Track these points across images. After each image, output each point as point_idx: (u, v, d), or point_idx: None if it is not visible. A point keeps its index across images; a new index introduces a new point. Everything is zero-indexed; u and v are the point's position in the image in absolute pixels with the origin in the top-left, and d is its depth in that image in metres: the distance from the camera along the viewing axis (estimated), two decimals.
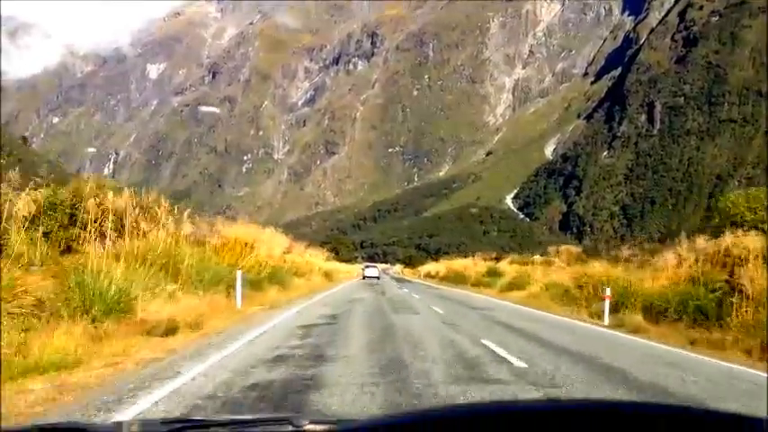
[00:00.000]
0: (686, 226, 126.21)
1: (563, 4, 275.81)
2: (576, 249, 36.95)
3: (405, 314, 13.13)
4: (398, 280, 50.93)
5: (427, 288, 31.15)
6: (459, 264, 39.22)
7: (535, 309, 16.45)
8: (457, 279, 35.12)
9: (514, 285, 23.41)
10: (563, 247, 39.31)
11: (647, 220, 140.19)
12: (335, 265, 43.89)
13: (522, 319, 13.58)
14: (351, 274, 58.02)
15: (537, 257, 36.09)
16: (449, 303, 18.09)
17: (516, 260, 34.92)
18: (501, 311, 15.47)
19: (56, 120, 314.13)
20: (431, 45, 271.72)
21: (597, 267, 15.99)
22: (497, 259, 36.75)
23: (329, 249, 55.23)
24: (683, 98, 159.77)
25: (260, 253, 15.53)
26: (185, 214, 11.02)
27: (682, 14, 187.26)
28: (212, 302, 10.41)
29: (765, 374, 6.81)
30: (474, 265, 34.79)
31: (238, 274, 11.70)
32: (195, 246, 12.04)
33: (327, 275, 32.19)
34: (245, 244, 14.56)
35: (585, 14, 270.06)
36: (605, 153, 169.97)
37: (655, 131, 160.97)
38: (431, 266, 58.56)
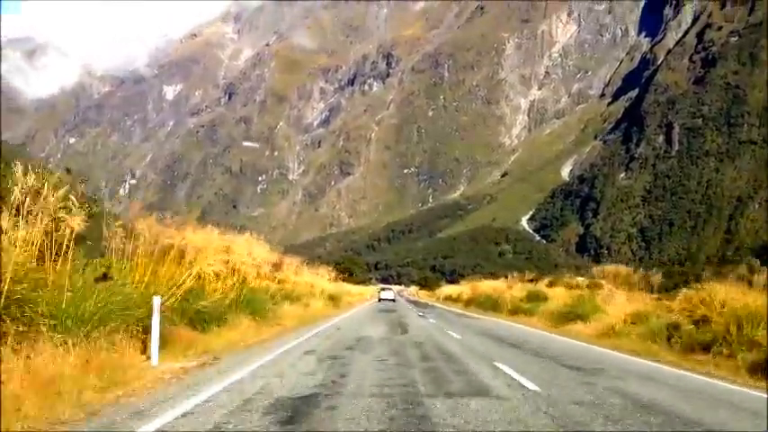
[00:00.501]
0: (705, 249, 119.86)
1: (579, 26, 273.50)
2: (625, 270, 31.75)
3: (460, 397, 5.94)
4: (416, 304, 46.17)
5: (457, 317, 25.28)
6: (487, 286, 33.78)
7: (653, 363, 9.85)
8: (487, 304, 29.83)
9: (572, 315, 17.82)
10: (610, 267, 34.03)
11: (666, 242, 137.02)
12: (344, 287, 38.85)
13: (698, 404, 6.30)
14: (363, 296, 53.35)
15: (580, 279, 31.02)
16: (516, 352, 10.95)
17: (557, 282, 29.55)
18: (629, 378, 7.95)
19: (73, 140, 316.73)
20: (446, 66, 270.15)
21: (721, 292, 10.62)
22: (534, 281, 31.49)
23: (342, 270, 51.09)
24: (701, 119, 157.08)
25: (220, 267, 10.36)
26: (56, 196, 5.65)
27: (700, 35, 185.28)
28: (93, 358, 5.35)
29: None
30: (508, 288, 29.28)
31: (155, 302, 6.70)
32: (95, 254, 7.03)
33: (332, 299, 27.13)
34: (197, 254, 9.49)
35: (602, 36, 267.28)
36: (623, 174, 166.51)
37: (673, 153, 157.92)
38: (451, 289, 53.38)
